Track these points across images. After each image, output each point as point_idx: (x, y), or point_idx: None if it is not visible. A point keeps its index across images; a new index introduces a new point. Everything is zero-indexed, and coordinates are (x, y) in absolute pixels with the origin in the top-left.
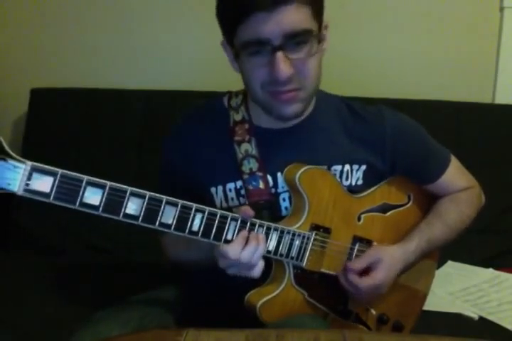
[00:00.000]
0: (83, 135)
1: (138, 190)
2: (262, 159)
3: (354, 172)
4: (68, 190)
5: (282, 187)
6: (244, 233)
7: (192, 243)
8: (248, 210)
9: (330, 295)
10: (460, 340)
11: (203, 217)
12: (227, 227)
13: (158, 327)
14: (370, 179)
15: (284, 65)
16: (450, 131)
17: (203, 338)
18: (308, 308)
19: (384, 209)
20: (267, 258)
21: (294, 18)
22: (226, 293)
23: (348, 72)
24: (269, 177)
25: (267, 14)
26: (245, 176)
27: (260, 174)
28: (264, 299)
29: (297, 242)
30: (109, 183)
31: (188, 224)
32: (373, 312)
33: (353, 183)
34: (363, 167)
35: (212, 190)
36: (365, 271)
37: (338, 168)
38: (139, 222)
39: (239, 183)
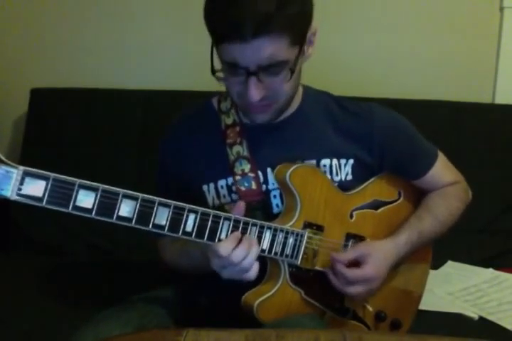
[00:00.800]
0: (83, 135)
1: (130, 192)
2: (254, 159)
3: (343, 166)
4: (61, 193)
5: (273, 184)
6: (237, 234)
7: (184, 252)
8: (241, 206)
9: (326, 292)
10: (460, 340)
11: (196, 218)
12: (220, 227)
13: (158, 327)
14: (360, 174)
15: (255, 90)
16: (450, 131)
17: (202, 338)
18: (306, 307)
19: (375, 205)
20: (262, 258)
21: (270, 50)
22: (225, 293)
23: (348, 72)
24: (260, 174)
25: (244, 45)
26: (237, 177)
27: (252, 175)
28: (261, 299)
29: (291, 240)
30: (101, 186)
31: (182, 225)
32: (370, 309)
33: (343, 179)
34: (351, 161)
35: (204, 187)
36: (355, 265)
37: (327, 162)
38: (133, 224)
39: (230, 180)
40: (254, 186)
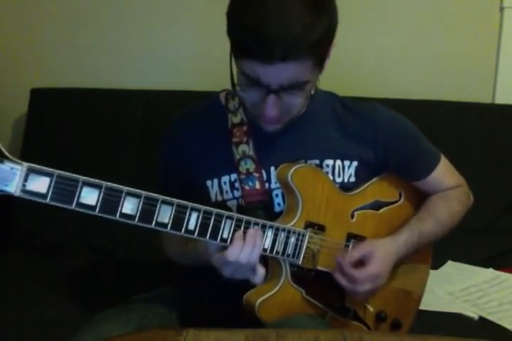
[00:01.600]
0: (83, 135)
1: (134, 190)
2: (258, 159)
3: (346, 168)
4: (65, 190)
5: (275, 183)
6: (240, 233)
7: (186, 253)
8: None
9: (327, 292)
10: (460, 340)
11: (198, 216)
12: (222, 226)
13: (159, 327)
14: (363, 176)
15: (272, 108)
16: (450, 131)
17: (203, 338)
18: (307, 306)
19: (376, 206)
20: (264, 258)
21: (294, 72)
22: (227, 293)
23: (347, 72)
24: (264, 173)
25: (270, 65)
26: (242, 176)
27: (257, 175)
28: (262, 298)
29: (292, 239)
30: (105, 183)
31: (184, 223)
32: (371, 309)
33: (346, 180)
34: (355, 163)
35: (208, 183)
36: (359, 265)
37: (330, 162)
38: (136, 222)
39: (233, 176)
40: (258, 186)
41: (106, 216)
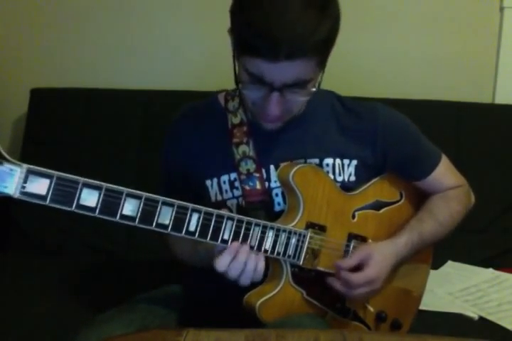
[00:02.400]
0: (83, 135)
1: (134, 191)
2: (259, 159)
3: (346, 167)
4: (64, 192)
5: (275, 182)
6: (235, 245)
7: (195, 252)
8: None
9: (328, 293)
10: (460, 340)
11: (199, 217)
12: (223, 227)
13: (158, 327)
14: (363, 175)
15: (275, 106)
16: (450, 131)
17: (203, 338)
18: (307, 307)
19: (377, 206)
20: (264, 258)
21: (298, 71)
22: (226, 293)
23: (348, 72)
24: (264, 172)
25: (275, 63)
26: (243, 177)
27: (257, 175)
28: (263, 298)
29: (293, 240)
30: (105, 185)
31: (185, 225)
32: (371, 309)
33: (346, 179)
34: (354, 162)
35: (207, 182)
36: (357, 268)
37: (330, 161)
38: (136, 223)
39: (233, 175)
40: (258, 186)
41: (106, 218)
